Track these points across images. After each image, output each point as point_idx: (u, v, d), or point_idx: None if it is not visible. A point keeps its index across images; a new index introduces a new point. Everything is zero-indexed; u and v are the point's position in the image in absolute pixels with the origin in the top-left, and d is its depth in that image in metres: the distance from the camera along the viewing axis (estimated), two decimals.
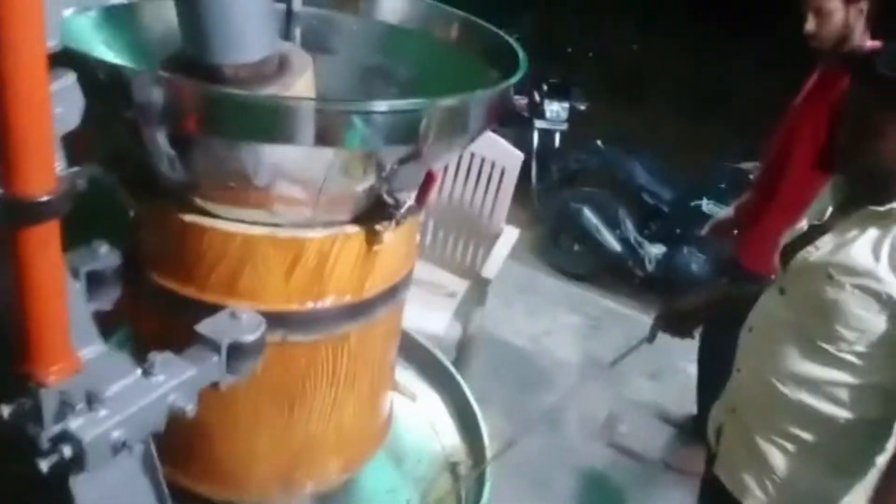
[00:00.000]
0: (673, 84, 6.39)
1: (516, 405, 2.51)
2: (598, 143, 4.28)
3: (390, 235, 1.02)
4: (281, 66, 0.98)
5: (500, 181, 2.30)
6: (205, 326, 0.92)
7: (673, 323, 1.53)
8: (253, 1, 0.90)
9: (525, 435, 1.65)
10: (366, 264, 1.05)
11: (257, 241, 0.96)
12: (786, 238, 1.28)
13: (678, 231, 3.96)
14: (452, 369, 1.62)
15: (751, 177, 3.85)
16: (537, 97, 4.93)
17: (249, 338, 0.93)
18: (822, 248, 1.18)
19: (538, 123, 4.80)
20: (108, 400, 0.81)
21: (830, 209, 1.22)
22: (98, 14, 1.10)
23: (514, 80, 0.98)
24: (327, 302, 1.04)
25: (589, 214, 4.07)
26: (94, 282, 0.99)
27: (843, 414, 1.19)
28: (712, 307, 1.53)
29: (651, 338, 1.57)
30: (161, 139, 0.86)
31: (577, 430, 2.64)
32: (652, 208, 4.07)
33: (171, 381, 0.86)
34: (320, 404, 1.13)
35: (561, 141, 4.89)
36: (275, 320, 1.00)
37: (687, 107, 5.99)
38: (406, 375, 1.59)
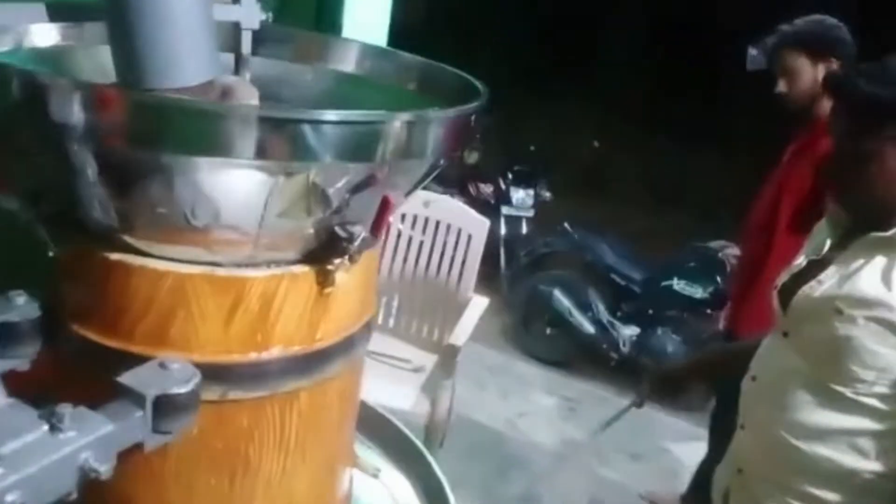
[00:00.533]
0: (633, 179, 6.60)
1: (491, 489, 2.35)
2: (566, 225, 4.29)
3: (344, 275, 0.93)
4: (224, 95, 0.91)
5: (467, 249, 2.24)
6: (128, 378, 0.80)
7: (663, 384, 1.44)
8: (190, 19, 0.84)
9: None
10: (317, 309, 0.95)
11: (191, 282, 0.86)
12: (783, 278, 1.21)
13: (650, 311, 3.92)
14: (420, 445, 1.48)
15: (720, 255, 3.87)
16: (503, 185, 4.99)
17: (180, 390, 0.81)
18: (826, 282, 1.10)
19: (505, 210, 4.84)
20: (4, 458, 0.68)
21: (829, 242, 1.15)
22: (26, 56, 1.03)
23: (474, 104, 0.92)
24: (273, 353, 0.93)
25: (560, 296, 4.03)
26: (8, 336, 0.87)
27: (867, 466, 1.07)
28: (704, 366, 1.45)
29: (640, 402, 1.47)
30: (82, 158, 0.77)
31: None
32: (623, 289, 4.04)
33: (84, 438, 0.73)
34: (267, 474, 0.99)
35: (527, 227, 4.91)
36: (213, 373, 0.89)
37: (647, 200, 6.17)
38: (368, 453, 1.45)
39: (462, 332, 2.04)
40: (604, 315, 3.99)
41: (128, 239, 0.87)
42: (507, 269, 4.64)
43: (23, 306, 0.90)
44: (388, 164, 0.83)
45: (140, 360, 0.85)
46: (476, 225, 2.21)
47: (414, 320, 2.26)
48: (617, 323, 3.96)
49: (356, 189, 0.87)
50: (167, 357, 0.83)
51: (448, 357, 2.00)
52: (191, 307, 0.87)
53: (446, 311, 2.22)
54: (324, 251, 0.91)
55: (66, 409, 0.73)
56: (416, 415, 1.93)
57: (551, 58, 7.77)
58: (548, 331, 4.07)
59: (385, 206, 0.87)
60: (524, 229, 4.85)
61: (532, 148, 5.28)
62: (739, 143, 6.33)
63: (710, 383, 1.47)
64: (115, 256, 0.86)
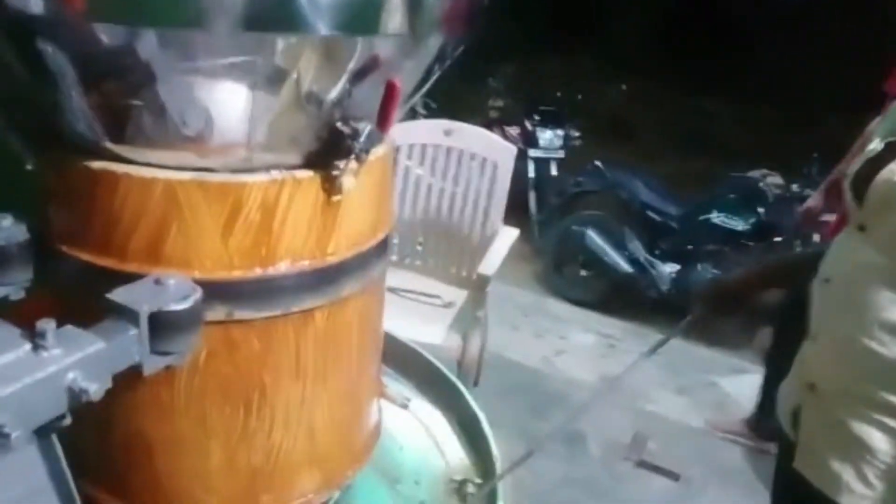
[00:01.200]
0: (657, 126, 6.45)
1: (529, 428, 2.28)
2: (597, 163, 4.14)
3: (353, 181, 0.84)
4: None
5: (493, 178, 2.13)
6: (120, 294, 0.73)
7: (720, 300, 1.31)
8: None
9: (543, 447, 1.43)
10: (326, 220, 0.86)
11: (183, 190, 0.78)
12: (855, 165, 1.07)
13: (689, 247, 3.78)
14: (453, 378, 1.41)
15: (761, 185, 3.70)
16: (529, 126, 4.83)
17: (178, 307, 0.74)
18: None
19: (532, 153, 4.69)
20: None
21: None
22: None
23: None
24: (281, 268, 0.84)
25: (594, 236, 3.90)
26: None
27: None
28: (765, 276, 1.31)
29: (695, 322, 1.34)
30: (54, 55, 0.69)
31: (601, 451, 2.40)
32: (659, 226, 3.89)
33: (70, 357, 0.67)
34: (285, 403, 0.92)
35: (557, 169, 4.76)
36: (215, 292, 0.82)
37: (672, 145, 6.02)
38: (400, 387, 1.38)
39: (491, 262, 1.94)
40: (640, 253, 3.86)
41: (111, 146, 0.78)
42: (537, 213, 4.51)
43: (9, 229, 0.83)
44: (392, 41, 0.73)
45: (136, 279, 0.78)
46: (501, 152, 2.09)
47: (442, 256, 2.17)
48: (654, 261, 3.83)
49: (358, 76, 0.77)
50: (163, 273, 0.76)
51: (478, 289, 1.91)
52: (185, 218, 0.79)
53: (475, 245, 2.12)
54: (328, 153, 0.82)
55: (48, 324, 0.66)
56: (448, 350, 1.86)
57: (571, 8, 7.53)
58: (582, 272, 3.95)
59: (391, 94, 0.77)
60: (553, 171, 4.70)
61: (558, 94, 5.11)
62: (760, 91, 6.16)
63: (769, 300, 1.31)
64: (97, 165, 0.78)
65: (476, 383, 2.42)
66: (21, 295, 0.86)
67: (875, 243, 1.01)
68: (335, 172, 0.83)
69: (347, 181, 0.83)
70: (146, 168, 0.78)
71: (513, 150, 2.15)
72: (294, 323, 0.88)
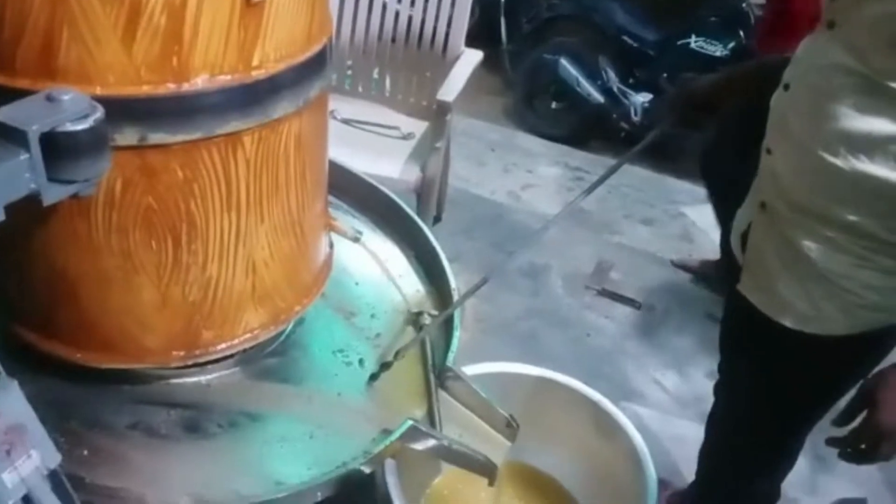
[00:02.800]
0: None
1: (492, 261, 2.27)
2: None
3: None
4: None
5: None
6: (5, 113, 0.63)
7: (692, 106, 1.22)
8: None
9: (497, 274, 1.40)
10: (247, 26, 0.75)
11: None
12: None
13: (665, 75, 3.63)
14: (410, 211, 1.34)
15: (744, 5, 3.50)
16: None
17: (76, 127, 0.64)
18: None
19: None
20: None
21: None
22: None
23: None
24: (197, 83, 0.74)
25: (566, 65, 3.72)
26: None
27: None
28: (739, 80, 1.21)
29: (666, 131, 1.24)
30: None
31: (564, 283, 2.41)
32: (635, 53, 3.71)
33: None
34: (218, 236, 0.86)
35: None
36: (123, 111, 0.72)
37: None
38: (353, 221, 1.32)
39: (452, 87, 1.81)
40: (614, 82, 3.71)
41: None
42: (508, 42, 4.27)
43: None
44: None
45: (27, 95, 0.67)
46: None
47: (400, 85, 2.02)
48: (628, 90, 3.69)
49: None
50: (54, 87, 0.65)
51: (438, 117, 1.79)
52: (76, 22, 0.67)
53: (436, 71, 1.97)
54: None
55: None
56: (406, 182, 1.78)
57: None
58: (553, 104, 3.81)
59: None
60: None
61: None
62: None
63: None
64: None
65: (439, 218, 2.37)
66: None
67: (844, 41, 0.90)
68: None
69: None
70: None
71: None
72: (220, 148, 0.79)
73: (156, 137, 0.74)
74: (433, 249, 1.27)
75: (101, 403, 0.97)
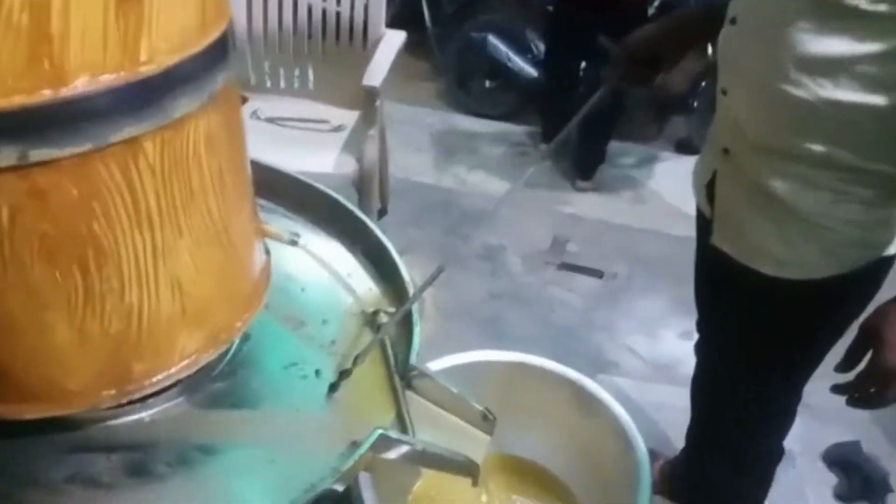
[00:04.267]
0: None
1: (448, 249, 2.20)
2: None
3: None
4: None
5: None
6: None
7: (634, 60, 1.16)
8: None
9: (454, 269, 1.34)
10: (126, 15, 0.65)
11: None
12: None
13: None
14: (350, 205, 1.26)
15: None
16: None
17: None
18: None
19: None
20: None
21: None
22: None
23: None
24: (77, 85, 0.64)
25: (495, 43, 3.67)
26: None
27: (881, 102, 0.84)
28: (682, 24, 1.16)
29: (610, 91, 1.18)
30: None
31: (522, 261, 2.36)
32: None
33: None
34: (132, 258, 0.76)
35: None
36: None
37: None
38: (288, 224, 1.23)
39: (377, 71, 1.72)
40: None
41: None
42: (433, 25, 4.20)
43: None
44: None
45: None
46: None
47: (324, 77, 1.94)
48: None
49: None
50: None
51: (367, 103, 1.71)
52: None
53: (360, 58, 1.89)
54: None
55: None
56: (343, 177, 1.70)
57: None
58: (487, 83, 3.76)
59: None
60: None
61: None
62: None
63: (689, 50, 1.15)
64: None
65: (384, 212, 2.29)
66: None
67: None
68: None
69: None
70: None
71: None
72: (117, 158, 0.70)
73: (39, 154, 0.65)
74: (380, 243, 1.19)
75: (34, 457, 0.87)
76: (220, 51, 0.78)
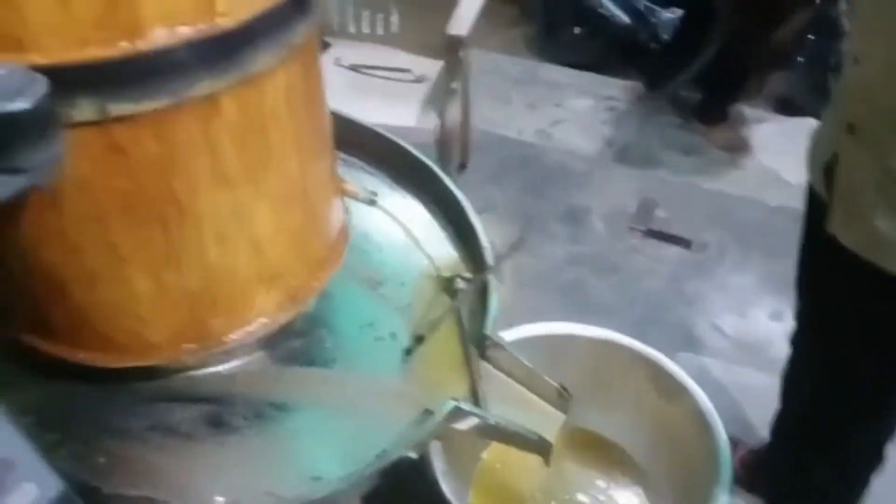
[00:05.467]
0: None
1: (525, 207, 2.13)
2: None
3: None
4: None
5: None
6: None
7: (747, 20, 1.05)
8: None
9: (534, 231, 1.28)
10: None
11: None
12: None
13: None
14: (430, 163, 1.22)
15: None
16: None
17: (12, 106, 0.54)
18: None
19: None
20: None
21: None
22: None
23: None
24: (155, 38, 0.62)
25: None
26: None
27: None
28: None
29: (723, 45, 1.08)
30: None
31: (606, 225, 2.26)
32: None
33: None
34: (213, 216, 0.75)
35: None
36: (72, 80, 0.61)
37: None
38: (368, 180, 1.20)
39: (462, 19, 1.64)
40: (641, 0, 3.49)
41: None
42: None
43: None
44: None
45: None
46: None
47: (409, 22, 1.86)
48: (655, 8, 3.46)
49: None
50: None
51: (451, 54, 1.64)
52: None
53: (445, 2, 1.81)
54: None
55: None
56: (424, 132, 1.65)
57: None
58: (576, 30, 3.60)
59: None
60: None
61: None
62: None
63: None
64: None
65: (464, 166, 2.24)
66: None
67: None
68: None
69: None
70: None
71: None
72: (196, 115, 0.68)
73: (118, 108, 0.63)
74: (460, 206, 1.15)
75: (115, 405, 0.88)
76: (303, 8, 0.74)
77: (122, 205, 0.70)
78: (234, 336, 0.85)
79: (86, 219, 0.70)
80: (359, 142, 1.23)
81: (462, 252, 1.14)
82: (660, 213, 2.28)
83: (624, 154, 2.54)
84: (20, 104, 0.54)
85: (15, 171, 0.56)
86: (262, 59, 0.70)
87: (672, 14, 3.44)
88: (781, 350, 1.32)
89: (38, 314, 0.82)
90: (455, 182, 1.22)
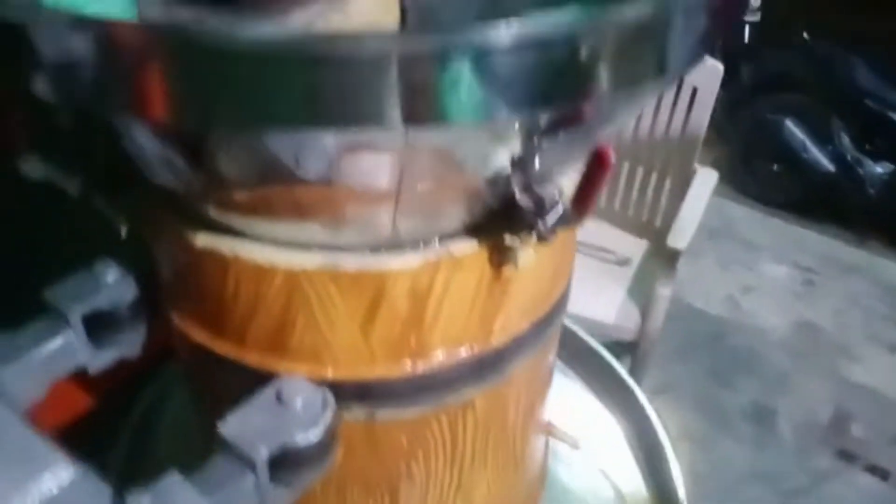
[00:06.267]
0: None
1: (711, 397, 1.97)
2: (805, 35, 3.46)
3: (531, 253, 0.60)
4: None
5: (690, 106, 1.74)
6: (233, 427, 0.57)
7: None
8: None
9: (715, 426, 1.18)
10: (490, 300, 0.65)
11: (309, 281, 0.59)
12: None
13: None
14: (630, 381, 1.19)
15: None
16: None
17: (307, 440, 0.57)
18: None
19: None
20: None
21: None
22: None
23: None
24: (434, 360, 0.65)
25: (792, 128, 3.36)
26: (101, 327, 0.67)
27: None
28: None
29: None
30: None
31: (794, 434, 2.01)
32: (877, 117, 3.27)
33: None
34: (438, 488, 0.77)
35: (752, 36, 4.05)
36: (353, 392, 0.65)
37: None
38: (566, 386, 1.18)
39: (684, 230, 1.55)
40: (849, 149, 3.27)
41: (214, 213, 0.60)
42: (724, 91, 3.93)
43: (114, 286, 0.68)
44: (603, 93, 0.46)
45: (254, 373, 0.63)
46: (705, 72, 1.65)
47: (616, 194, 1.78)
48: (864, 159, 3.24)
49: (549, 131, 0.52)
50: (286, 380, 0.59)
51: (667, 262, 1.57)
52: (312, 312, 0.60)
53: (661, 185, 1.74)
54: (498, 220, 0.59)
55: (143, 495, 0.51)
56: (623, 330, 1.56)
57: None
58: (774, 167, 3.43)
59: (601, 165, 0.51)
60: (747, 38, 4.01)
61: None
62: None
63: None
64: (201, 240, 0.60)
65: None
66: (134, 352, 0.73)
67: None
68: (507, 243, 0.60)
69: (525, 256, 0.60)
70: (261, 248, 0.59)
71: (718, 70, 1.71)
72: (449, 415, 0.70)
73: (385, 414, 0.67)
74: (654, 432, 1.11)
75: None
76: (560, 305, 0.75)
77: (361, 477, 0.73)
78: None
79: (327, 482, 0.73)
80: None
81: (652, 488, 1.09)
82: (856, 428, 2.01)
83: (817, 342, 2.28)
84: (314, 437, 0.57)
85: (285, 485, 0.60)
86: (519, 363, 0.71)
87: (882, 168, 3.22)
88: None
89: None
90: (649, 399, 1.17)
